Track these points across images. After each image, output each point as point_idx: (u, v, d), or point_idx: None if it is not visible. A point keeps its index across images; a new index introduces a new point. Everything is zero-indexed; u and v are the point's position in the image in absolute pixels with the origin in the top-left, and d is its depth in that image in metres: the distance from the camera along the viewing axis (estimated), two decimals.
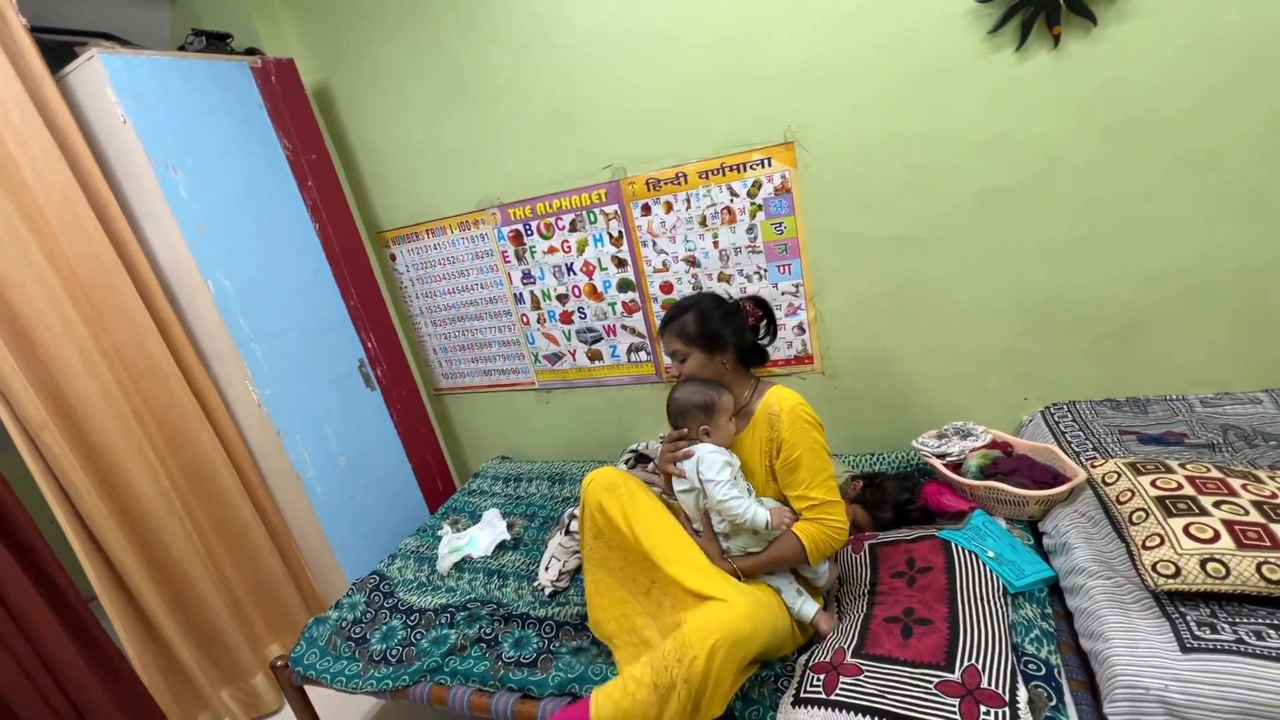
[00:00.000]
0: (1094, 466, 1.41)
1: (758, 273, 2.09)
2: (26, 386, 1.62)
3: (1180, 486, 1.25)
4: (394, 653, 1.74)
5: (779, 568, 1.41)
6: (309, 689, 1.82)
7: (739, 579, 1.36)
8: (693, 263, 2.17)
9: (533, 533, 2.18)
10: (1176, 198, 1.64)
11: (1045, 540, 1.51)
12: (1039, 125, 1.68)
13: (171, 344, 1.98)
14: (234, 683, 2.11)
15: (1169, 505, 1.22)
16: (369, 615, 1.91)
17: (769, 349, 1.54)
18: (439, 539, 2.22)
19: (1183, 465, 1.32)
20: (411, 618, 1.86)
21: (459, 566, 2.06)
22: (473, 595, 1.93)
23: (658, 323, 2.31)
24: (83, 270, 1.83)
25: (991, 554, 1.44)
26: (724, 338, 1.42)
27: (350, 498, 2.35)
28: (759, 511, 1.34)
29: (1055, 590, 1.40)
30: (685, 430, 1.45)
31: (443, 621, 1.81)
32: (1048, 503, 1.53)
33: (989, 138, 1.72)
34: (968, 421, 1.83)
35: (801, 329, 2.11)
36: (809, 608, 1.42)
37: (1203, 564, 1.10)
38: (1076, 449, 1.64)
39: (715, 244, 2.11)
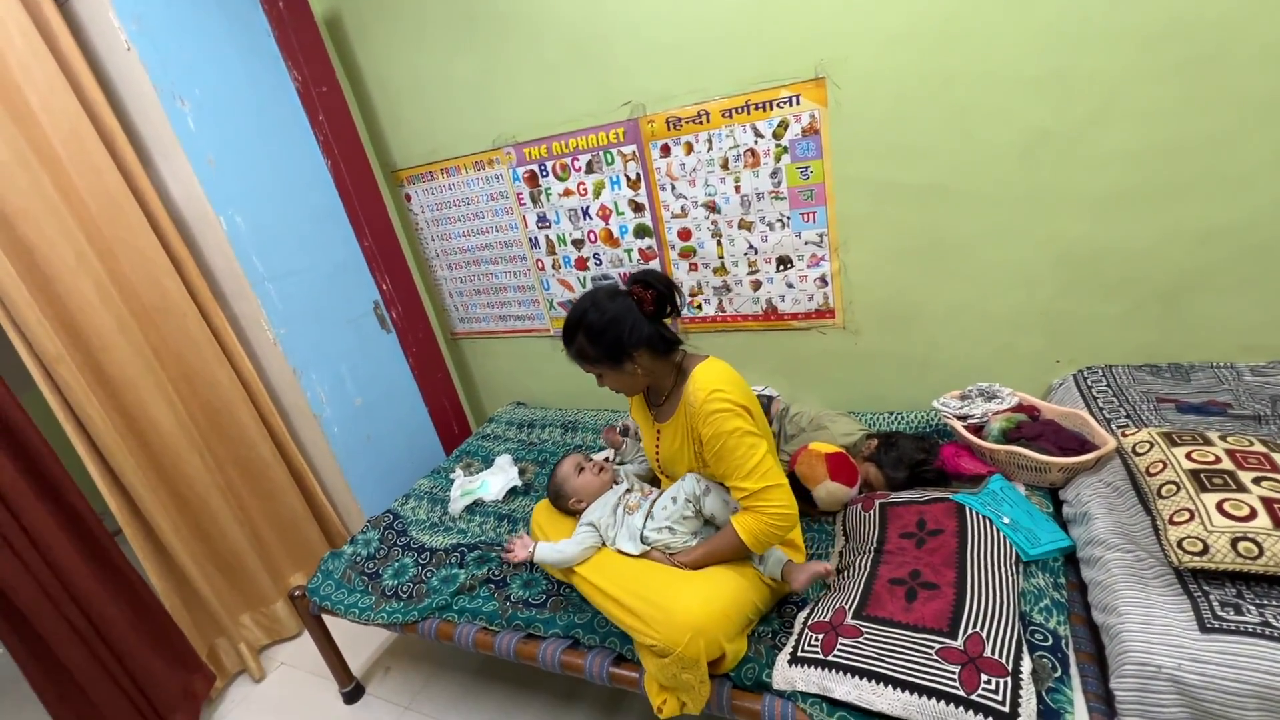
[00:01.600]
0: (1125, 435, 1.34)
1: (780, 220, 2.00)
2: (42, 320, 1.64)
3: (1218, 460, 1.17)
4: (405, 589, 1.79)
5: (721, 560, 1.35)
6: (326, 618, 1.89)
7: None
8: (713, 208, 2.07)
9: (543, 479, 2.19)
10: (1245, 147, 1.49)
11: (1065, 509, 1.45)
12: (1098, 60, 1.52)
13: (185, 280, 1.98)
14: (255, 608, 2.21)
15: (1203, 479, 1.14)
16: (382, 552, 1.96)
17: (675, 328, 1.44)
18: (452, 481, 2.24)
19: (1223, 437, 1.23)
20: (423, 556, 1.90)
21: (470, 509, 2.09)
22: (483, 537, 1.96)
23: (674, 271, 2.24)
24: (94, 203, 1.81)
25: (1007, 520, 1.39)
26: (623, 345, 1.30)
27: (366, 438, 2.39)
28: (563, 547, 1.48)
29: (1071, 560, 1.36)
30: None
31: (453, 561, 1.85)
32: (1071, 470, 1.46)
33: (1040, 75, 1.57)
34: (994, 384, 1.75)
35: (824, 281, 2.02)
36: (771, 561, 1.37)
37: (1234, 543, 1.04)
38: (1108, 415, 1.56)
39: (737, 188, 2.01)
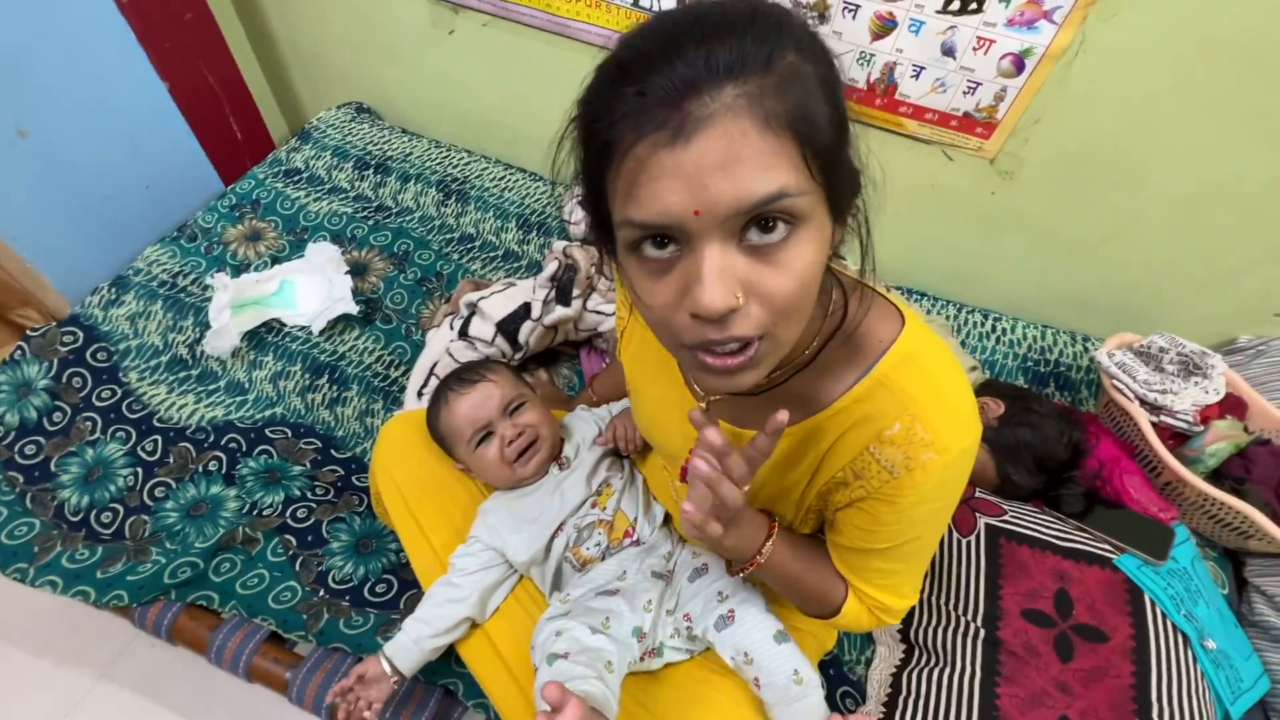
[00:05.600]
0: None
1: None
2: None
3: None
4: (107, 519, 0.93)
5: (797, 596, 0.64)
6: None
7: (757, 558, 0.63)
8: None
9: (401, 295, 1.24)
10: None
11: (1255, 600, 0.95)
12: None
13: None
14: None
15: None
16: (59, 419, 1.00)
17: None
18: (209, 284, 1.18)
19: None
20: (149, 444, 1.00)
21: (255, 339, 1.13)
22: (279, 411, 1.07)
23: None
24: None
25: (1211, 645, 0.85)
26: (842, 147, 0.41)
27: (14, 131, 1.15)
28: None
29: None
30: None
31: (213, 468, 0.98)
32: None
33: None
34: (1204, 350, 1.05)
35: (1018, 63, 1.01)
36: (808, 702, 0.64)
37: None
38: None
39: None
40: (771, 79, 0.34)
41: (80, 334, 1.07)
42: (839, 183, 0.40)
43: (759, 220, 0.36)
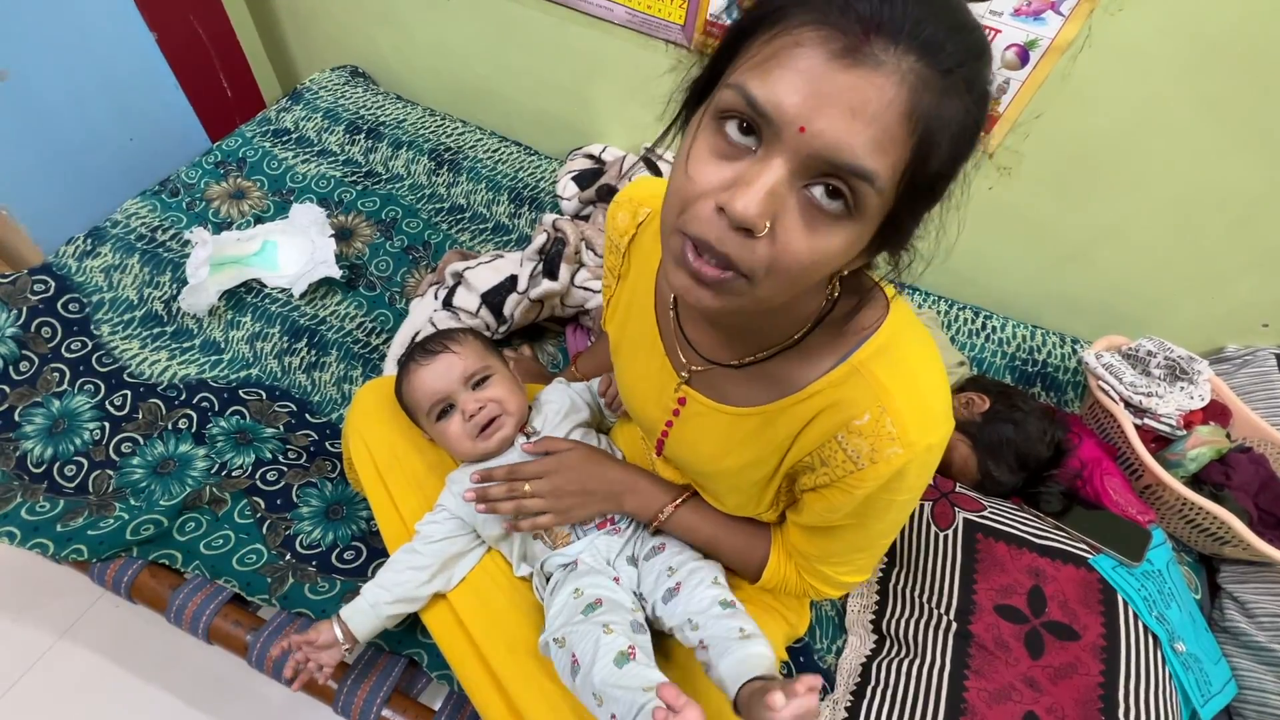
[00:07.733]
0: None
1: None
2: None
3: None
4: (70, 472, 0.91)
5: (718, 556, 0.70)
6: None
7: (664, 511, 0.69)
8: None
9: (387, 263, 1.22)
10: None
11: (1227, 606, 0.95)
12: None
13: None
14: None
15: None
16: (26, 369, 0.98)
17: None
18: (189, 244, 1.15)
19: None
20: (118, 398, 0.97)
21: (234, 298, 1.11)
22: (254, 373, 1.05)
23: None
24: None
25: (1181, 648, 0.85)
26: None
27: None
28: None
29: None
30: None
31: (182, 426, 0.96)
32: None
33: None
34: (1189, 354, 1.05)
35: (1023, 55, 1.00)
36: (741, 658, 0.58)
37: None
38: None
39: None
40: (942, 83, 0.33)
41: (52, 283, 1.04)
42: (903, 221, 0.39)
43: (830, 185, 0.35)
